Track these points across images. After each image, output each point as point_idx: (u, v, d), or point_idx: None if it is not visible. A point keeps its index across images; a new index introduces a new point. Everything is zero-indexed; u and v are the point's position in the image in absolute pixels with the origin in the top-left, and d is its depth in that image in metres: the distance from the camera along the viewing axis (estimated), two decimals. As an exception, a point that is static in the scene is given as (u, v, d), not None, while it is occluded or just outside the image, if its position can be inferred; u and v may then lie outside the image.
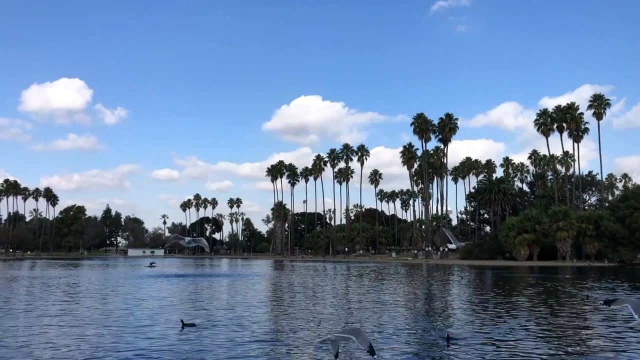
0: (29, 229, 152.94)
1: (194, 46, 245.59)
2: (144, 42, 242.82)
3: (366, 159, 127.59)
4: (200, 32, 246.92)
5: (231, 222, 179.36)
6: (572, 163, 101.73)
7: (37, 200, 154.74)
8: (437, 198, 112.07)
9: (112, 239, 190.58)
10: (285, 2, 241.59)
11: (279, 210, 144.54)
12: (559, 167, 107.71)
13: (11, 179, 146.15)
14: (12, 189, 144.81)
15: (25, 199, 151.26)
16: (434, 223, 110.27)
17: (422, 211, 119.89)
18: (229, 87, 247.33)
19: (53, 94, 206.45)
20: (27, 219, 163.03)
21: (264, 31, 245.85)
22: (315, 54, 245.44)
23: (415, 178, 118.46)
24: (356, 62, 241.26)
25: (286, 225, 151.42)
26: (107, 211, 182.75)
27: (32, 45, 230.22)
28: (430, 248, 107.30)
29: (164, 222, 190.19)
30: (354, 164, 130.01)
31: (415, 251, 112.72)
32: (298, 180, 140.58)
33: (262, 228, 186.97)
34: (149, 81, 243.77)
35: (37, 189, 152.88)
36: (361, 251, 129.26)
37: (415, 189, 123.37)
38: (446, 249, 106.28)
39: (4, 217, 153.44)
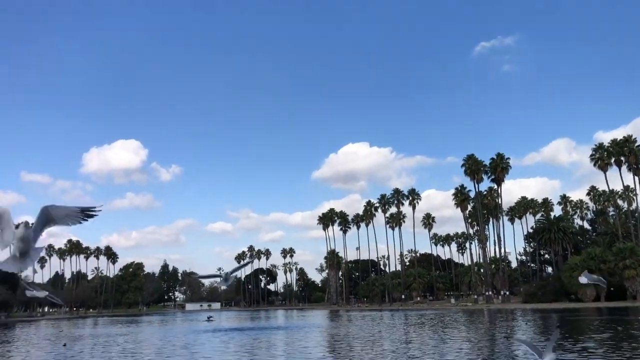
0: (91, 287, 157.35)
1: (240, 102, 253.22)
2: (193, 101, 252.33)
3: (417, 202, 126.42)
4: (245, 86, 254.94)
5: (285, 272, 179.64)
6: (634, 197, 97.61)
7: (98, 258, 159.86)
8: (494, 240, 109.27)
9: (170, 294, 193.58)
10: (327, 50, 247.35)
11: (332, 258, 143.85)
12: (620, 202, 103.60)
13: (74, 239, 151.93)
14: (75, 248, 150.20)
15: (87, 258, 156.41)
16: (493, 266, 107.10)
17: (479, 254, 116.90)
18: (277, 139, 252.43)
19: (111, 155, 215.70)
20: (90, 277, 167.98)
21: (309, 80, 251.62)
22: (361, 100, 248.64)
23: (469, 220, 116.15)
24: (402, 107, 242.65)
25: (340, 273, 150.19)
26: (165, 266, 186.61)
27: (91, 109, 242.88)
28: (490, 292, 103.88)
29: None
30: (406, 208, 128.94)
31: (475, 296, 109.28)
32: (349, 227, 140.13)
33: (316, 277, 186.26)
34: (200, 138, 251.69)
35: (98, 247, 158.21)
36: (418, 298, 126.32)
37: (471, 231, 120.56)
38: (507, 293, 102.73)
39: (68, 276, 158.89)
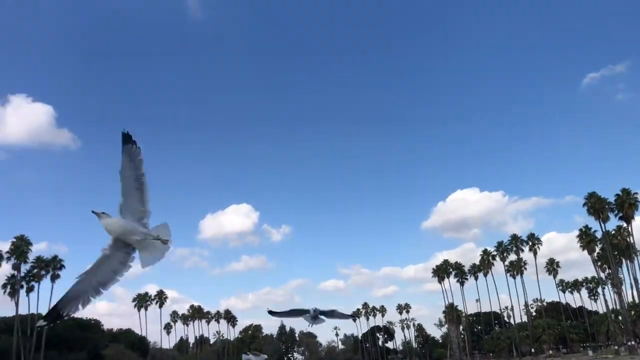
0: (213, 351, 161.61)
1: (342, 160, 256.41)
2: (300, 164, 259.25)
3: (538, 247, 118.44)
4: (343, 145, 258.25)
5: (402, 329, 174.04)
6: None
7: (218, 322, 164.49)
8: (631, 283, 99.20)
9: (289, 355, 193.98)
10: (425, 97, 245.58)
11: (451, 312, 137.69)
12: None
13: (195, 304, 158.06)
14: (197, 313, 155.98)
15: (208, 322, 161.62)
16: (633, 312, 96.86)
17: (614, 299, 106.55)
18: (383, 192, 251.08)
19: (225, 221, 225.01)
20: (212, 341, 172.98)
21: (408, 135, 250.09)
22: (468, 146, 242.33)
23: (599, 263, 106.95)
24: (512, 148, 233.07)
25: (461, 327, 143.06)
26: (282, 327, 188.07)
27: (205, 179, 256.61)
28: (633, 342, 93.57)
29: (336, 334, 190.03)
30: (526, 254, 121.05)
31: (616, 347, 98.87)
32: (467, 279, 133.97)
33: (435, 333, 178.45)
34: (307, 198, 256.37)
35: (218, 311, 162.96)
36: (550, 351, 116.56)
37: (602, 275, 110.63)
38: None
39: (192, 341, 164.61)
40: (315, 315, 14.74)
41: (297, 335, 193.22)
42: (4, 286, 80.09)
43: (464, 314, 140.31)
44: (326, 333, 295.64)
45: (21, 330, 77.22)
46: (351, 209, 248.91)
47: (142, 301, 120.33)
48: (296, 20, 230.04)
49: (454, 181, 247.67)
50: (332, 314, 15.13)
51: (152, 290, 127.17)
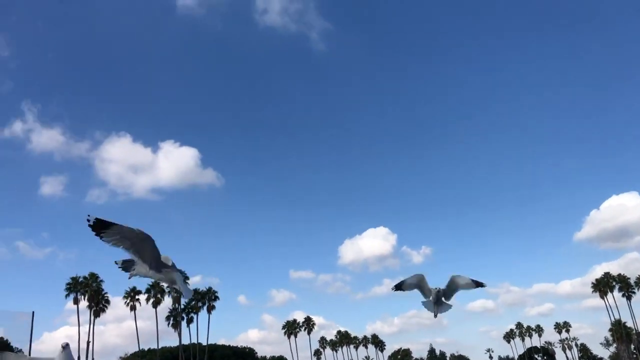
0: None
1: (482, 175, 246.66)
2: (434, 183, 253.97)
3: None
4: (481, 161, 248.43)
5: (563, 349, 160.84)
6: None
7: (366, 347, 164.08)
8: None
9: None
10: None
11: (619, 330, 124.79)
12: None
13: (342, 329, 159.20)
14: (345, 339, 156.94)
15: (356, 348, 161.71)
16: None
17: None
18: (529, 205, 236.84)
19: (363, 245, 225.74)
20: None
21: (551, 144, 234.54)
22: (620, 145, 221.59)
23: None
24: None
25: (632, 347, 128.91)
26: (432, 351, 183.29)
27: (341, 207, 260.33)
28: None
29: (490, 357, 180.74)
30: None
31: None
32: (634, 292, 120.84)
33: (602, 353, 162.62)
34: (447, 216, 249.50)
35: (365, 336, 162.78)
36: None
37: None
38: None
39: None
40: (439, 298, 13.05)
41: (447, 357, 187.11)
42: (167, 318, 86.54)
43: (634, 332, 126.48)
44: (479, 355, 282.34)
45: (185, 358, 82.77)
46: (494, 225, 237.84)
47: (291, 328, 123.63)
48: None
49: (607, 186, 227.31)
50: (455, 288, 13.37)
51: (300, 317, 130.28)
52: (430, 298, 13.34)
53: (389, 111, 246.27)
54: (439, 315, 13.09)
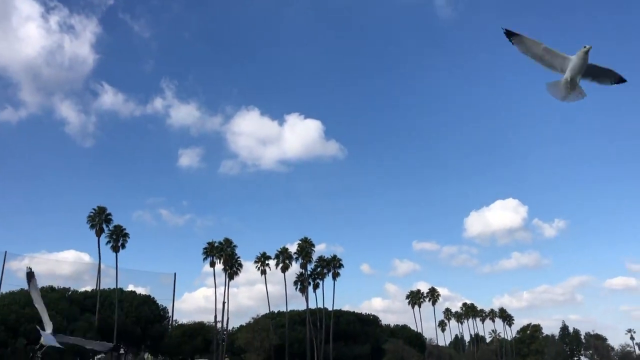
0: (491, 350, 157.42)
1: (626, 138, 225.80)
2: (561, 151, 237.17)
3: None
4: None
5: None
6: None
7: (493, 321, 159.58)
8: None
9: (575, 359, 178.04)
10: None
11: None
12: None
13: (468, 302, 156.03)
14: (471, 311, 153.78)
15: (483, 321, 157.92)
16: None
17: None
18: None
19: (491, 217, 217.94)
20: (487, 340, 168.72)
21: None
22: None
23: None
24: None
25: None
26: (564, 328, 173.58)
27: (467, 175, 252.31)
28: None
29: (631, 338, 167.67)
30: None
31: None
32: None
33: None
34: (584, 188, 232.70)
35: (492, 310, 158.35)
36: None
37: None
38: None
39: (467, 339, 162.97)
40: (579, 72, 9.94)
41: (582, 336, 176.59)
42: (295, 283, 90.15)
43: None
44: (619, 335, 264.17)
45: (312, 322, 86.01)
46: (635, 195, 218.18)
47: (415, 298, 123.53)
48: None
49: None
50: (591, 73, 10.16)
51: (424, 288, 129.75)
52: (569, 74, 10.30)
53: (515, 83, 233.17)
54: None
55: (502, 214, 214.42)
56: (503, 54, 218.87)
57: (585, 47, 9.84)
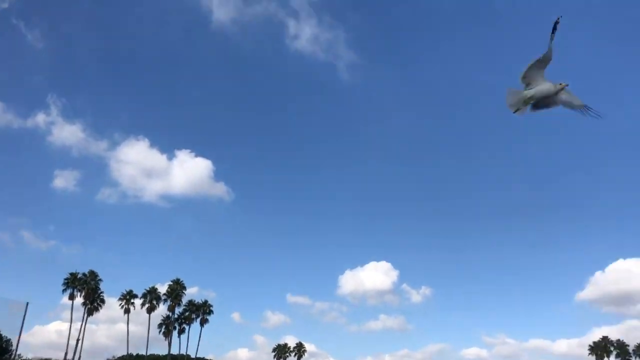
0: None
1: (493, 221, 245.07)
2: (442, 220, 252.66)
3: None
4: (497, 208, 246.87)
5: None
6: None
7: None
8: None
9: None
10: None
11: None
12: None
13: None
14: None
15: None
16: None
17: None
18: (536, 258, 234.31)
19: (364, 277, 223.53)
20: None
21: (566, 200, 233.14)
22: (634, 211, 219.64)
23: None
24: None
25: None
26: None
27: (346, 235, 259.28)
28: None
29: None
30: None
31: None
32: (630, 359, 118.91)
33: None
34: (451, 260, 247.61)
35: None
36: None
37: None
38: None
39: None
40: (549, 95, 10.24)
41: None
42: (160, 326, 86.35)
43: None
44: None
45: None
46: (496, 276, 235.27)
47: (281, 352, 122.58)
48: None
49: (615, 249, 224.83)
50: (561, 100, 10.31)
51: (292, 342, 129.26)
52: (536, 93, 10.24)
53: (400, 148, 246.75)
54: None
55: (375, 276, 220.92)
56: (391, 125, 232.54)
57: (562, 83, 9.81)
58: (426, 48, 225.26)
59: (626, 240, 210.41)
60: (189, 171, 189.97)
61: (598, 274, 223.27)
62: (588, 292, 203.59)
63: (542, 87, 9.88)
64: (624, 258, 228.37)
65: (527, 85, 10.11)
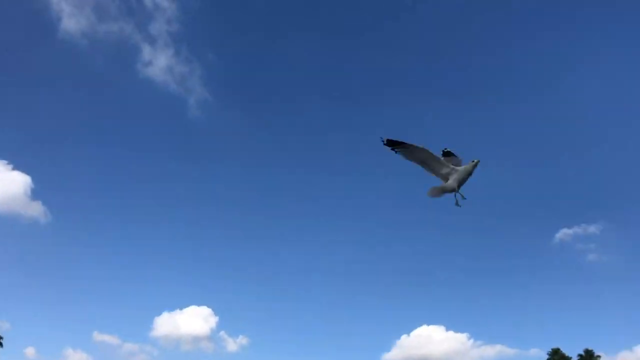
0: None
1: (306, 279, 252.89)
2: (262, 275, 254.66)
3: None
4: (310, 267, 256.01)
5: None
6: None
7: None
8: None
9: None
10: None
11: None
12: None
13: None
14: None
15: None
16: None
17: None
18: (347, 316, 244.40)
19: (181, 321, 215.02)
20: None
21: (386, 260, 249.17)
22: (439, 287, 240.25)
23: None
24: (483, 293, 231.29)
25: None
26: None
27: (166, 274, 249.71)
28: None
29: None
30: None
31: None
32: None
33: None
34: (267, 310, 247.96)
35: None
36: None
37: None
38: None
39: None
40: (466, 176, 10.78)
41: None
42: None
43: None
44: None
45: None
46: (310, 330, 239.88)
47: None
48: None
49: (421, 316, 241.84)
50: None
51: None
52: (455, 184, 10.68)
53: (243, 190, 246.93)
54: None
55: (193, 320, 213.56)
56: (241, 157, 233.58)
57: (474, 160, 10.31)
58: (281, 97, 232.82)
59: (430, 308, 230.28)
60: (1, 184, 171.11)
61: (404, 337, 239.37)
62: (393, 354, 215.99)
63: (460, 174, 10.38)
64: (428, 324, 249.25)
65: (446, 180, 10.61)
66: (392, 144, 10.05)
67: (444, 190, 10.64)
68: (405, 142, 10.00)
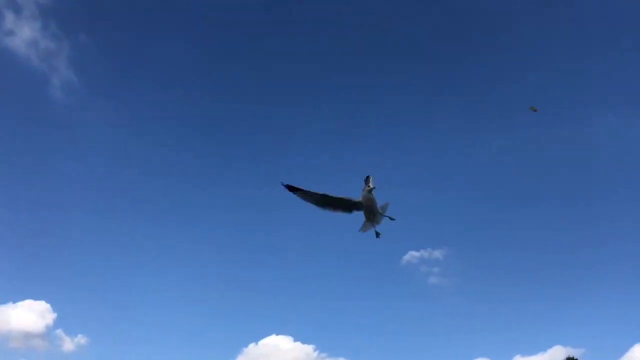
0: None
1: (162, 285, 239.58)
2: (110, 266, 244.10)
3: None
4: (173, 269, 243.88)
5: None
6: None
7: None
8: None
9: None
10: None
11: None
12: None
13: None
14: None
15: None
16: None
17: None
18: (195, 322, 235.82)
19: (13, 315, 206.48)
20: None
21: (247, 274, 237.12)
22: (289, 297, 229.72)
23: None
24: (331, 306, 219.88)
25: None
26: None
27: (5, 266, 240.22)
28: None
29: None
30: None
31: None
32: None
33: None
34: (110, 308, 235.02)
35: None
36: None
37: None
38: None
39: None
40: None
41: None
42: None
43: None
44: None
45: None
46: (157, 331, 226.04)
47: None
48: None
49: (271, 325, 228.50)
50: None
51: None
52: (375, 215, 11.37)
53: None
54: None
55: (27, 316, 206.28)
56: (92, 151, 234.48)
57: (369, 186, 10.54)
58: (155, 91, 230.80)
59: (281, 318, 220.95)
60: None
61: (252, 344, 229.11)
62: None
63: (381, 213, 11.07)
64: (277, 334, 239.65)
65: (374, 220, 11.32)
66: (291, 189, 10.64)
67: (368, 226, 11.26)
68: (303, 188, 10.53)
